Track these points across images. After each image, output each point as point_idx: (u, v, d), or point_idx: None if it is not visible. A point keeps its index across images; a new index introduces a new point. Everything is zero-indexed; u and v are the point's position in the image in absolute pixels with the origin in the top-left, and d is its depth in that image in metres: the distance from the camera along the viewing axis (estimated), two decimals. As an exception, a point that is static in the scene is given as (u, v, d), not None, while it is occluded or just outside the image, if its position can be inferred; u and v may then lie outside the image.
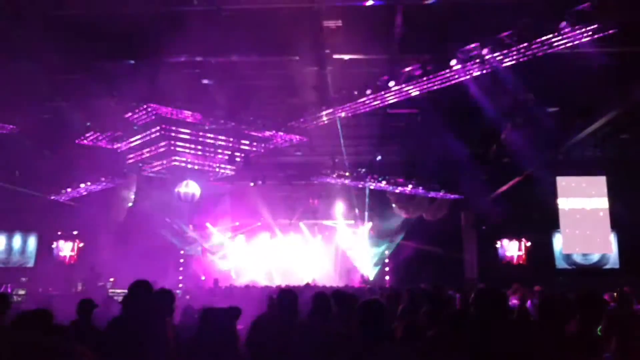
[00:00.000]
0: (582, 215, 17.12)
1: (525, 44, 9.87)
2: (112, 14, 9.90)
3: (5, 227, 21.26)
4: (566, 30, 9.34)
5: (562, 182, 17.23)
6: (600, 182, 17.07)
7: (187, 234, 22.03)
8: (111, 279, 18.19)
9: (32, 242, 21.58)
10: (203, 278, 21.73)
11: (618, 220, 17.71)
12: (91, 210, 18.99)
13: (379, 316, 3.55)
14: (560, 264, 20.51)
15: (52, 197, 18.31)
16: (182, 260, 22.51)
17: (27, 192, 17.14)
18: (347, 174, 18.15)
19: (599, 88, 11.28)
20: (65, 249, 21.26)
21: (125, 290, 4.75)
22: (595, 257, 20.14)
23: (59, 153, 15.54)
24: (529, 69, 10.75)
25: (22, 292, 17.08)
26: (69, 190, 18.10)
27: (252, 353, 4.36)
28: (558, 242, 20.03)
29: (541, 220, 19.51)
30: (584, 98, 12.29)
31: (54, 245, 21.24)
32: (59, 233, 21.25)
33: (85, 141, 14.38)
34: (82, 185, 17.83)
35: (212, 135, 14.93)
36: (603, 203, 17.05)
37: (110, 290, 16.33)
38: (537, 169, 15.94)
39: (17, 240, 21.52)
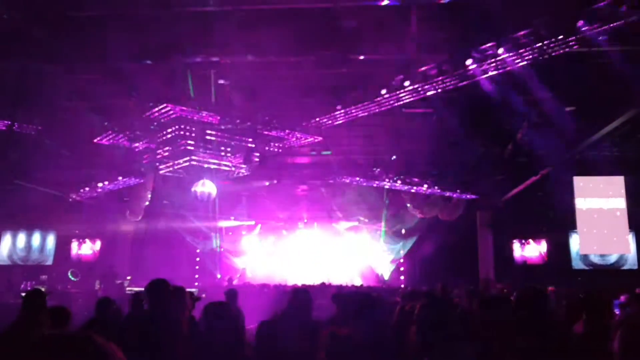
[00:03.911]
0: (600, 216, 16.93)
1: (542, 43, 9.80)
2: (128, 15, 10.02)
3: (24, 226, 21.57)
4: (584, 28, 9.27)
5: (579, 182, 17.06)
6: (618, 182, 16.88)
7: (203, 232, 22.18)
8: (128, 277, 18.38)
9: (50, 240, 21.87)
10: (219, 276, 21.86)
11: (636, 221, 17.50)
12: (109, 210, 19.21)
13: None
14: (578, 264, 20.31)
15: (71, 196, 18.54)
16: (198, 259, 22.67)
17: (46, 191, 17.38)
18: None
19: (617, 87, 11.17)
20: (83, 247, 21.53)
21: (142, 289, 4.81)
22: (613, 258, 19.91)
23: (77, 153, 15.73)
24: (545, 68, 10.69)
25: (41, 289, 17.32)
26: (87, 189, 18.31)
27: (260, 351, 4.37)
28: (575, 243, 19.84)
29: (558, 221, 19.35)
30: (602, 97, 12.17)
31: (77, 243, 21.52)
32: (77, 232, 21.51)
33: (103, 141, 14.54)
34: (100, 184, 18.03)
35: (228, 135, 15.01)
36: (621, 203, 16.85)
37: (128, 289, 16.50)
38: (554, 168, 15.81)
39: (36, 239, 21.82)
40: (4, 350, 3.99)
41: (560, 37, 9.54)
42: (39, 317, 4.39)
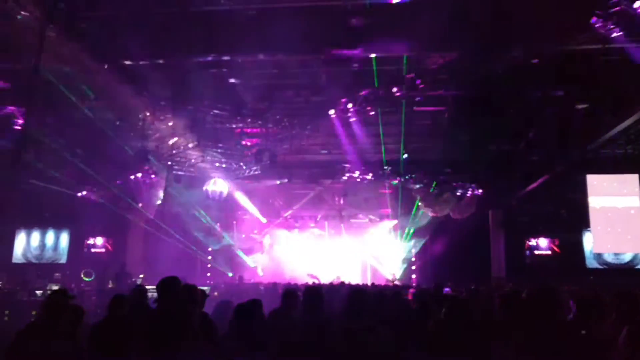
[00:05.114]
0: (614, 214, 16.78)
1: (554, 41, 9.74)
2: (140, 14, 10.07)
3: (39, 224, 21.76)
4: (597, 25, 9.19)
5: (593, 180, 16.91)
6: (633, 180, 16.71)
7: (215, 231, 22.26)
8: (141, 276, 18.48)
9: (64, 238, 22.04)
10: (230, 275, 21.95)
11: (651, 219, 17.32)
12: (122, 208, 19.33)
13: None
14: (591, 263, 20.15)
15: (84, 195, 18.67)
16: (210, 257, 22.76)
17: (59, 189, 17.52)
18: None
19: (630, 84, 11.06)
20: (97, 246, 21.68)
21: (154, 287, 4.85)
22: (627, 257, 19.74)
23: (90, 151, 15.83)
24: (558, 65, 10.61)
25: (55, 287, 17.48)
26: (99, 188, 18.43)
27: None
28: (589, 241, 19.69)
29: (571, 219, 19.19)
30: (616, 94, 12.05)
31: (90, 242, 21.68)
32: (90, 230, 21.65)
33: (115, 139, 14.65)
34: (113, 183, 18.13)
35: (239, 133, 15.08)
36: (635, 202, 16.69)
37: (140, 287, 16.59)
38: (567, 167, 15.69)
39: (50, 237, 22.01)
40: (29, 345, 4.08)
41: (573, 34, 9.47)
42: (61, 315, 4.48)
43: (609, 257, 19.91)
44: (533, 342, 3.25)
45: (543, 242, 20.63)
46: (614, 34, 9.21)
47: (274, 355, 4.14)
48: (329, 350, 3.82)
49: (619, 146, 15.66)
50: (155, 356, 3.72)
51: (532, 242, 20.83)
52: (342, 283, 15.89)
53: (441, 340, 3.72)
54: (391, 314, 5.25)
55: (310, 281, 18.15)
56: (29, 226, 21.71)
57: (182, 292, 4.57)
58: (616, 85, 11.36)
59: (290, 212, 22.64)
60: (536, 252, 20.66)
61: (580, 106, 12.92)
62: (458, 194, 18.94)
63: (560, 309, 3.37)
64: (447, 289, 11.76)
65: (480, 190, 18.61)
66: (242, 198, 20.66)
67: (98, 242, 21.74)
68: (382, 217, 22.63)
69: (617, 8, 8.85)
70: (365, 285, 16.36)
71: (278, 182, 18.96)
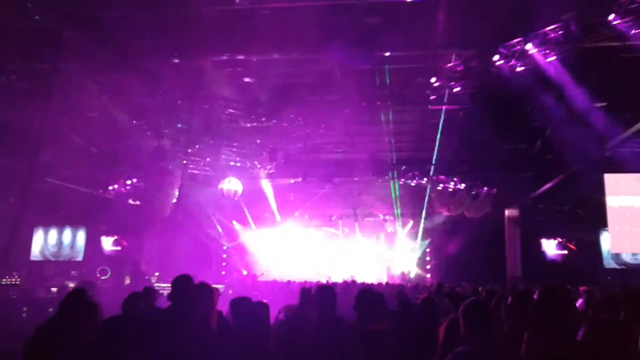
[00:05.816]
0: (632, 213, 16.54)
1: (572, 38, 9.63)
2: (155, 15, 10.14)
3: (56, 222, 22.00)
4: (615, 22, 9.07)
5: (610, 180, 16.67)
6: (652, 179, 16.50)
7: (230, 229, 22.35)
8: (156, 274, 18.61)
9: (81, 236, 22.25)
10: (245, 273, 22.02)
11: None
12: (137, 206, 19.47)
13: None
14: (609, 263, 19.90)
15: (101, 193, 18.84)
16: (224, 255, 22.87)
17: (76, 188, 17.70)
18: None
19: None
20: (113, 244, 21.87)
21: (169, 284, 4.88)
22: (645, 257, 19.50)
23: (106, 150, 15.97)
24: (575, 63, 10.49)
25: (72, 284, 17.67)
26: (115, 186, 18.59)
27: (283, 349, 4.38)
28: (606, 241, 19.45)
29: (588, 219, 18.97)
30: (634, 92, 11.89)
31: (106, 239, 21.88)
32: (107, 228, 21.85)
33: (131, 138, 14.76)
34: (129, 181, 18.28)
35: (253, 131, 15.11)
36: (654, 201, 16.47)
37: (156, 284, 16.71)
38: (584, 166, 15.49)
39: (67, 235, 22.23)
40: (47, 340, 4.13)
41: (591, 31, 9.36)
42: (79, 313, 4.53)
43: (627, 257, 19.66)
44: (543, 341, 3.21)
45: (560, 241, 20.42)
46: (633, 31, 9.09)
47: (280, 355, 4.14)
48: (341, 350, 3.82)
49: (638, 145, 15.44)
50: (167, 354, 3.74)
51: (549, 241, 20.63)
52: (354, 282, 15.87)
53: (455, 340, 3.69)
54: (399, 313, 5.24)
55: (323, 280, 18.16)
56: (46, 224, 21.96)
57: (194, 291, 4.58)
58: (635, 82, 11.21)
59: (303, 209, 22.66)
60: (553, 251, 20.46)
61: (598, 104, 12.77)
62: (473, 193, 18.81)
63: (572, 309, 3.33)
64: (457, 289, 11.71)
65: (495, 190, 18.46)
66: (257, 195, 20.72)
67: (114, 240, 21.91)
68: (396, 216, 22.55)
69: (636, 4, 8.75)
70: (379, 284, 16.34)
71: (292, 180, 18.98)
